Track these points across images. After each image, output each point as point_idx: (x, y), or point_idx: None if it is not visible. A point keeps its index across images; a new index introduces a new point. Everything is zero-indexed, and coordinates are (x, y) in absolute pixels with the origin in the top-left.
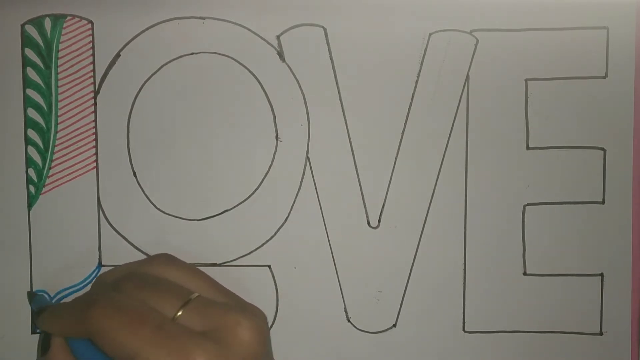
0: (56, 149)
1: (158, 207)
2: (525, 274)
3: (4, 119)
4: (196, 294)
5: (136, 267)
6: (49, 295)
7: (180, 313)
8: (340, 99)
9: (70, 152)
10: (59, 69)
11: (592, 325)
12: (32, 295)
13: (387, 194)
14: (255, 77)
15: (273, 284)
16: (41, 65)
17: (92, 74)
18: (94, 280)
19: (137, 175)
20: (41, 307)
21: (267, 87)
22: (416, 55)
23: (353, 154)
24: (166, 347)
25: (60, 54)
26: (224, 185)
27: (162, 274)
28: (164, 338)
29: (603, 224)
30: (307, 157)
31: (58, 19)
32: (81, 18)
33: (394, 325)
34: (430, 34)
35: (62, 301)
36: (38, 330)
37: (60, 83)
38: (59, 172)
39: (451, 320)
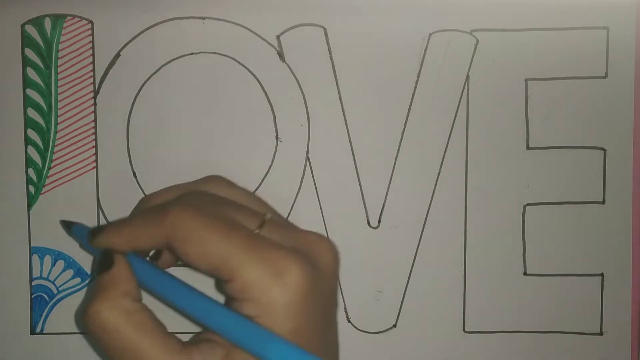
0: (56, 149)
1: None
2: (525, 274)
3: (4, 119)
4: (269, 215)
5: (192, 186)
6: (51, 292)
7: (259, 231)
8: (340, 99)
9: (70, 152)
10: (59, 69)
11: (592, 325)
12: (70, 224)
13: (387, 194)
14: (255, 77)
15: None
16: (41, 65)
17: (92, 74)
18: (136, 206)
19: (137, 175)
20: (97, 227)
21: (267, 87)
22: (416, 55)
23: (353, 154)
24: (258, 254)
25: (60, 54)
26: None
27: (227, 195)
28: (257, 245)
29: (603, 224)
30: (307, 157)
31: (58, 19)
32: (81, 18)
33: (394, 325)
34: (430, 34)
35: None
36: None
37: (60, 83)
38: (59, 172)
39: (451, 320)
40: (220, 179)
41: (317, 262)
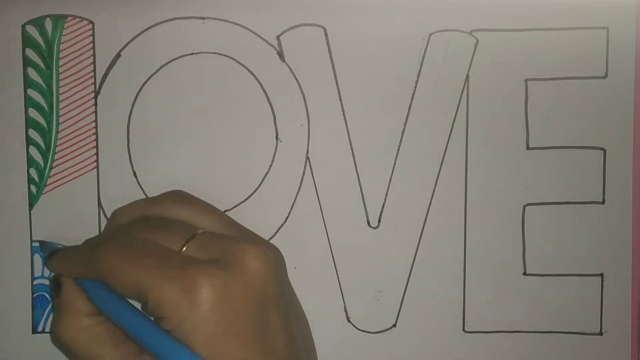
0: (57, 149)
1: None
2: (525, 274)
3: (5, 119)
4: (202, 230)
5: (146, 205)
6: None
7: (185, 248)
8: (340, 99)
9: (71, 152)
10: (60, 69)
11: (592, 325)
12: (43, 244)
13: (387, 194)
14: (255, 77)
15: None
16: (42, 65)
17: (92, 74)
18: (108, 220)
19: (137, 175)
20: (52, 251)
21: (267, 87)
22: (416, 55)
23: (353, 154)
24: (170, 275)
25: (61, 54)
26: (224, 186)
27: (172, 213)
28: (168, 267)
29: (603, 224)
30: (307, 157)
31: (59, 20)
32: (82, 18)
33: (394, 325)
34: (430, 34)
35: None
36: (49, 276)
37: (61, 83)
38: (60, 172)
39: (451, 320)
40: (177, 195)
41: (237, 271)
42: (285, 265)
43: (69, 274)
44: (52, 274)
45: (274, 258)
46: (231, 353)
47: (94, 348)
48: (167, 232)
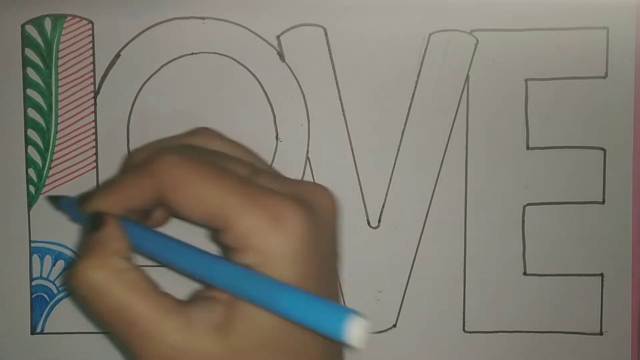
0: (56, 149)
1: None
2: (525, 274)
3: (4, 119)
4: (260, 163)
5: (179, 139)
6: (51, 292)
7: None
8: (340, 99)
9: (70, 152)
10: (59, 69)
11: (592, 325)
12: (56, 199)
13: (387, 194)
14: (255, 77)
15: None
16: (41, 65)
17: (92, 74)
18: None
19: None
20: (85, 192)
21: (267, 87)
22: (416, 55)
23: (353, 154)
24: (255, 200)
25: (60, 54)
26: None
27: (216, 146)
28: (252, 191)
29: (603, 224)
30: (307, 157)
31: (58, 19)
32: (81, 18)
33: (394, 325)
34: (430, 34)
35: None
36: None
37: (60, 83)
38: (59, 172)
39: (451, 320)
40: (210, 131)
41: (316, 208)
42: None
43: (119, 204)
44: (90, 216)
45: (337, 199)
46: (319, 293)
47: (126, 297)
48: (228, 159)
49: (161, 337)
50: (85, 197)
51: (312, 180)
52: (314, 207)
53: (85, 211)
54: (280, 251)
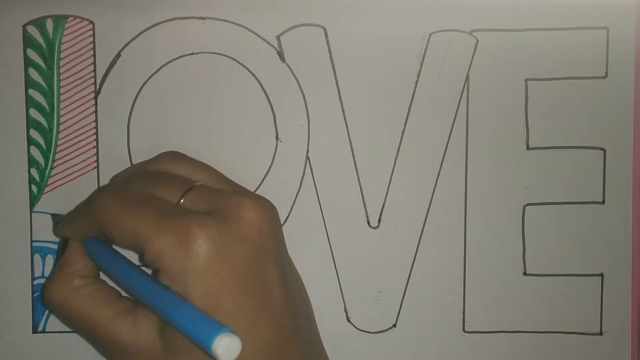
0: (58, 149)
1: None
2: (525, 274)
3: (7, 119)
4: (200, 183)
5: (144, 164)
6: None
7: (182, 200)
8: (340, 99)
9: (72, 152)
10: (61, 70)
11: (592, 325)
12: (54, 216)
13: (387, 194)
14: (255, 77)
15: None
16: (43, 65)
17: (93, 74)
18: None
19: None
20: (59, 219)
21: (267, 87)
22: (416, 55)
23: (353, 154)
24: (167, 225)
25: (61, 55)
26: None
27: (170, 169)
28: (165, 217)
29: (603, 224)
30: (307, 157)
31: (59, 20)
32: (82, 19)
33: (394, 325)
34: (430, 34)
35: None
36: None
37: (62, 83)
38: (61, 172)
39: (451, 320)
40: (172, 153)
41: (233, 222)
42: (279, 220)
43: (73, 234)
44: (60, 241)
45: (270, 211)
46: (229, 305)
47: (86, 307)
48: (165, 184)
49: (114, 336)
50: (56, 224)
51: (249, 193)
52: (232, 221)
53: (57, 236)
54: (186, 270)
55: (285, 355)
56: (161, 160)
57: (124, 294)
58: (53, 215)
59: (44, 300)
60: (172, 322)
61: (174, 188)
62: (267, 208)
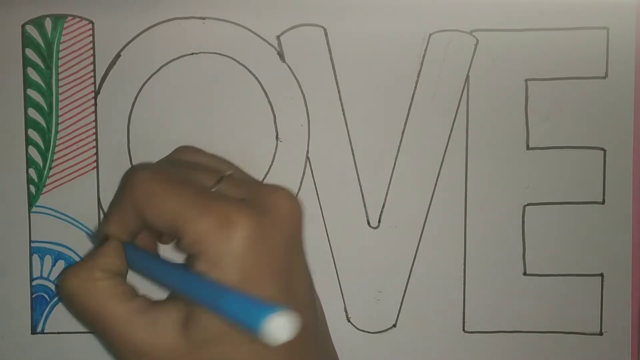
0: (57, 149)
1: None
2: (525, 274)
3: (5, 119)
4: (229, 172)
5: (166, 157)
6: (51, 292)
7: (216, 188)
8: (340, 99)
9: (71, 152)
10: (60, 69)
11: (592, 325)
12: (93, 236)
13: (387, 194)
14: (255, 77)
15: None
16: (42, 65)
17: (92, 74)
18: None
19: None
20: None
21: (267, 87)
22: (416, 56)
23: (353, 154)
24: (208, 209)
25: (60, 54)
26: None
27: (193, 159)
28: (206, 201)
29: (603, 224)
30: (307, 157)
31: (59, 19)
32: (82, 18)
33: (394, 325)
34: (430, 34)
35: None
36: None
37: (60, 83)
38: (60, 172)
39: (451, 320)
40: (189, 147)
41: (269, 210)
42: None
43: (114, 230)
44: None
45: (300, 202)
46: (262, 292)
47: (97, 302)
48: (197, 171)
49: (130, 335)
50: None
51: (278, 185)
52: (267, 209)
53: (98, 235)
54: (225, 255)
55: (305, 349)
56: (184, 152)
57: (141, 292)
58: (91, 236)
59: (57, 289)
60: (221, 309)
61: (206, 175)
62: (298, 199)
